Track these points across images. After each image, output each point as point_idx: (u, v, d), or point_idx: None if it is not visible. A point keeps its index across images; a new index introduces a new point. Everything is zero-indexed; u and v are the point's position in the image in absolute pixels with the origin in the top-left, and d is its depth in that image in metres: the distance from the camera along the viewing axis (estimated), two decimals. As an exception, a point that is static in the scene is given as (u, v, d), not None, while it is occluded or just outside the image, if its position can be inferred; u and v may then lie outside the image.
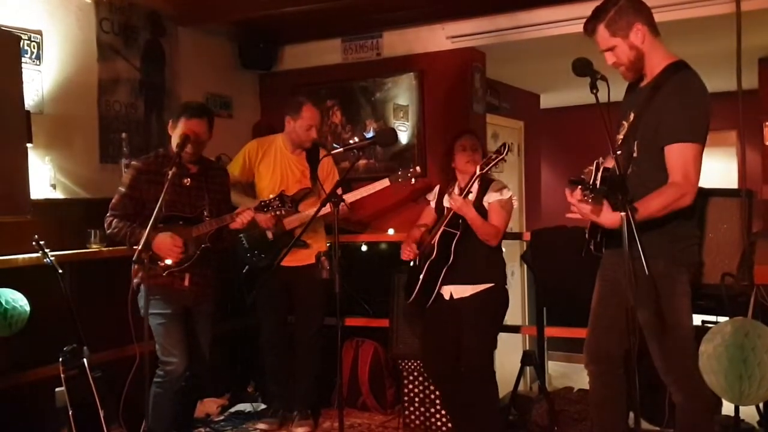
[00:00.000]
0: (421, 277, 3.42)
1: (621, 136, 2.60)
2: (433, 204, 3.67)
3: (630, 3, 2.47)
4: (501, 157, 3.23)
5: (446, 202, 3.52)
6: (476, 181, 3.32)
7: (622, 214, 2.17)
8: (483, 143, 3.54)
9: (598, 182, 2.30)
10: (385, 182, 3.81)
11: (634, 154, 2.50)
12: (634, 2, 2.49)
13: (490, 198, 3.41)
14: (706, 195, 3.22)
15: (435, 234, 3.42)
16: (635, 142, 2.50)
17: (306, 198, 3.88)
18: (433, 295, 3.41)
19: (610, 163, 2.59)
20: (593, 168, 2.38)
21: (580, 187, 2.28)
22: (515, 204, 3.49)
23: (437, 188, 3.72)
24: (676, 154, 2.39)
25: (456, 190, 3.48)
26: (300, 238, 3.19)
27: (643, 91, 2.54)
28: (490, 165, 3.23)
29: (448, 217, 3.35)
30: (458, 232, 3.33)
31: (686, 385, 2.53)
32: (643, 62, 2.51)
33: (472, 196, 3.41)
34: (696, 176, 2.40)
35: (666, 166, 2.41)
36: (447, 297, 3.44)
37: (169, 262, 3.21)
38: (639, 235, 2.15)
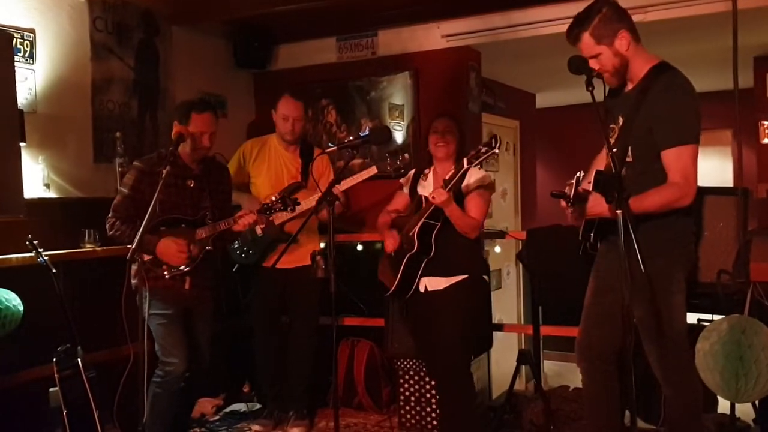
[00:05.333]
0: (401, 270, 3.30)
1: (612, 140, 2.61)
2: (406, 190, 3.55)
3: (613, 10, 2.50)
4: (492, 151, 2.97)
5: (421, 190, 3.42)
6: (459, 173, 3.13)
7: (619, 212, 2.18)
8: (461, 128, 3.41)
9: (588, 187, 2.40)
10: (372, 170, 3.81)
11: (628, 159, 2.53)
12: (617, 9, 2.51)
13: (469, 183, 3.27)
14: (702, 193, 3.23)
15: (415, 225, 3.25)
16: (629, 147, 2.53)
17: (296, 192, 3.87)
18: (413, 288, 3.32)
19: (601, 166, 2.62)
20: (573, 182, 2.45)
21: (562, 200, 2.41)
22: (495, 188, 3.33)
23: (412, 173, 3.59)
24: (674, 157, 2.41)
25: (430, 180, 3.38)
26: (296, 236, 3.16)
27: (630, 96, 2.56)
28: (480, 159, 3.01)
29: (429, 210, 3.19)
30: (438, 224, 3.21)
31: (679, 379, 2.55)
32: (627, 68, 2.54)
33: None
34: (695, 177, 2.43)
35: (661, 170, 2.44)
36: (422, 290, 3.33)
37: (182, 267, 3.20)
38: (637, 233, 2.16)
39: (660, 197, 2.40)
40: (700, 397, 2.59)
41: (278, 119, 3.90)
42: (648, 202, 2.39)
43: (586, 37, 2.49)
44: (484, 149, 3.00)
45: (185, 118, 3.23)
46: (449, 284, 3.26)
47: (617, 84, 2.60)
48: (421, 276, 3.30)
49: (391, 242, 3.37)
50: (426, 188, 3.39)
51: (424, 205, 3.27)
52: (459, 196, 3.26)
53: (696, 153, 2.43)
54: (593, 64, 2.51)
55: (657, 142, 2.43)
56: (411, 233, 3.27)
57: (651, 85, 2.47)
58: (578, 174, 2.48)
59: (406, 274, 3.30)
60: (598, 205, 2.41)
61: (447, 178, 3.14)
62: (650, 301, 2.45)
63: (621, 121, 2.57)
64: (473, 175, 3.27)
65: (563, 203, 2.48)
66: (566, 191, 2.45)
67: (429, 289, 3.31)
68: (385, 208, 3.59)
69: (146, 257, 3.14)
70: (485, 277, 3.37)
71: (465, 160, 3.06)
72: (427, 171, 3.46)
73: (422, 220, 3.22)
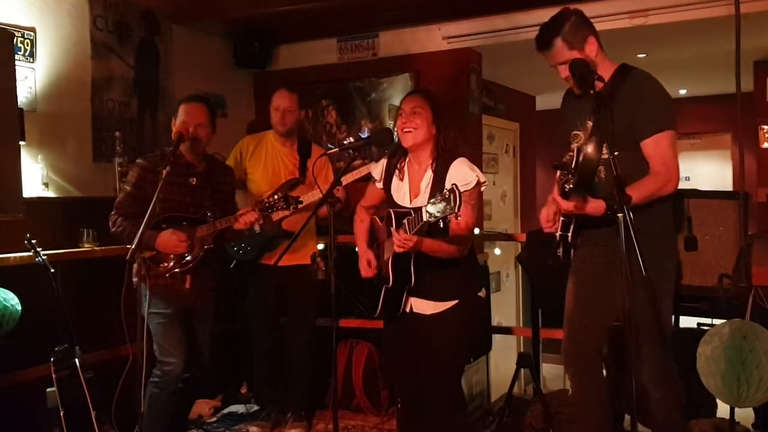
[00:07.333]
0: (381, 299, 2.87)
1: (579, 144, 2.65)
2: (380, 185, 2.96)
3: (581, 18, 2.59)
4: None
5: (396, 193, 2.87)
6: (429, 184, 2.70)
7: (620, 215, 2.17)
8: (437, 106, 2.79)
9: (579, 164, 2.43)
10: (371, 166, 3.80)
11: (605, 156, 2.55)
12: (584, 17, 2.60)
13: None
14: (683, 196, 3.25)
15: (389, 252, 2.77)
16: (604, 145, 2.55)
17: (294, 188, 3.85)
18: (401, 309, 2.84)
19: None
20: (573, 153, 2.48)
21: (560, 171, 2.40)
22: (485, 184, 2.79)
23: (383, 162, 2.96)
24: (652, 145, 2.48)
25: (406, 182, 2.83)
26: (298, 235, 3.14)
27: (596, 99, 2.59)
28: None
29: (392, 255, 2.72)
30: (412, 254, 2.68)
31: (664, 382, 2.56)
32: None
33: (425, 184, 2.76)
34: (675, 162, 2.49)
35: (641, 164, 2.48)
36: (407, 309, 2.84)
37: (188, 258, 3.18)
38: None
39: (645, 189, 2.42)
40: (682, 395, 2.61)
41: (271, 112, 3.90)
42: (634, 196, 2.39)
43: (559, 43, 2.55)
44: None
45: (176, 112, 3.23)
46: (436, 311, 2.77)
47: (584, 90, 2.62)
48: (407, 297, 2.82)
49: (365, 268, 2.91)
50: (401, 192, 2.86)
51: (393, 226, 2.68)
52: None
53: (673, 139, 2.50)
54: (563, 71, 2.56)
55: (634, 133, 2.48)
56: (386, 258, 2.81)
57: (618, 85, 2.53)
58: (574, 146, 2.50)
59: (388, 301, 2.86)
60: (599, 204, 2.41)
61: (410, 221, 2.55)
62: (641, 302, 2.45)
63: (589, 124, 2.62)
64: (453, 175, 2.70)
65: (553, 193, 2.43)
66: (567, 162, 2.46)
67: (415, 310, 2.83)
68: (360, 205, 3.10)
69: (147, 254, 3.13)
70: (480, 294, 2.87)
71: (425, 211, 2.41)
72: (402, 163, 2.86)
73: (393, 251, 2.68)
